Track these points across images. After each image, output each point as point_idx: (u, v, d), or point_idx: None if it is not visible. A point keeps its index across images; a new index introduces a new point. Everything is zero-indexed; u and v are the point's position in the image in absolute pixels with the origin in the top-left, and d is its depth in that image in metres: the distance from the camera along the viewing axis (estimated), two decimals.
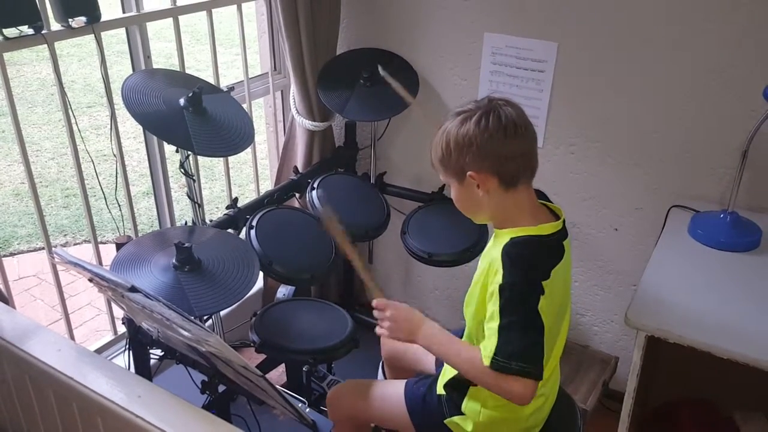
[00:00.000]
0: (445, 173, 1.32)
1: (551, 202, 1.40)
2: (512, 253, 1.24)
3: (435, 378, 1.51)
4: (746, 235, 1.75)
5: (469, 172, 1.26)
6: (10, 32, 1.61)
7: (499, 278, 1.22)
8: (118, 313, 2.17)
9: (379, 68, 1.94)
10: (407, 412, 1.51)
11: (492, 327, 1.21)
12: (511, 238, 1.26)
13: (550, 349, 1.36)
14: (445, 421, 1.45)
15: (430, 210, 2.28)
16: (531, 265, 1.24)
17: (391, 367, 1.82)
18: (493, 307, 1.22)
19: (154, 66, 2.05)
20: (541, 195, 1.39)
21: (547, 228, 1.29)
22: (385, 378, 1.86)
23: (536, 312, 1.21)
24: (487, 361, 1.21)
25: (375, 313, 1.40)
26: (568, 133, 2.15)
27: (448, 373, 1.46)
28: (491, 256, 1.29)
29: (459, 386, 1.43)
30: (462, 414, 1.43)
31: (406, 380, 1.58)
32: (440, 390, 1.48)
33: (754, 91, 1.75)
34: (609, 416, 1.98)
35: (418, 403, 1.51)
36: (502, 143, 1.23)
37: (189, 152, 1.82)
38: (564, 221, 1.34)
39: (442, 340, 1.34)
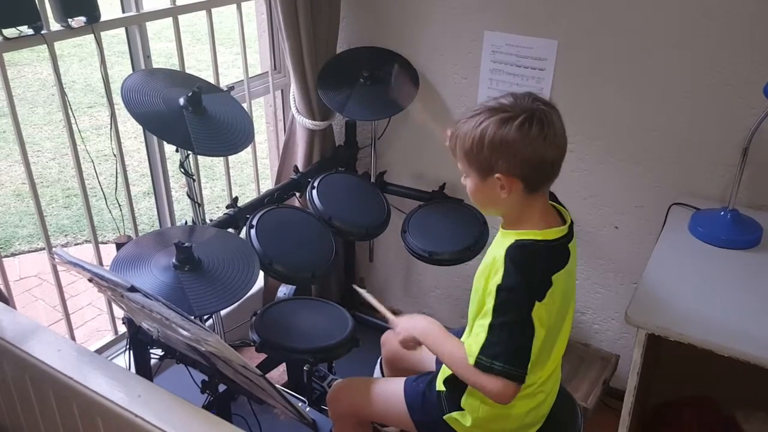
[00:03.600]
0: (468, 166, 1.28)
1: (561, 203, 1.40)
2: (515, 256, 1.24)
3: (434, 375, 1.52)
4: (747, 233, 1.75)
5: (497, 174, 1.24)
6: (10, 32, 1.60)
7: (498, 278, 1.23)
8: (119, 313, 2.17)
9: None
10: (407, 409, 1.52)
11: (483, 324, 1.24)
12: (516, 240, 1.26)
13: (550, 348, 1.37)
14: (444, 417, 1.46)
15: (430, 209, 2.28)
16: (532, 271, 1.24)
17: (391, 367, 1.81)
18: (488, 305, 1.24)
19: (154, 66, 2.05)
20: (551, 196, 1.39)
21: (553, 233, 1.29)
22: (383, 376, 1.86)
23: (529, 318, 1.22)
24: (471, 360, 1.24)
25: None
26: (568, 131, 2.11)
27: (447, 369, 1.46)
28: (495, 253, 1.29)
29: (458, 382, 1.43)
30: (461, 409, 1.43)
31: (405, 377, 1.58)
32: (440, 386, 1.48)
33: (754, 88, 1.75)
34: (610, 414, 1.98)
35: (418, 399, 1.51)
36: (541, 150, 1.22)
37: (189, 152, 1.81)
38: (571, 225, 1.34)
39: (437, 334, 1.40)
